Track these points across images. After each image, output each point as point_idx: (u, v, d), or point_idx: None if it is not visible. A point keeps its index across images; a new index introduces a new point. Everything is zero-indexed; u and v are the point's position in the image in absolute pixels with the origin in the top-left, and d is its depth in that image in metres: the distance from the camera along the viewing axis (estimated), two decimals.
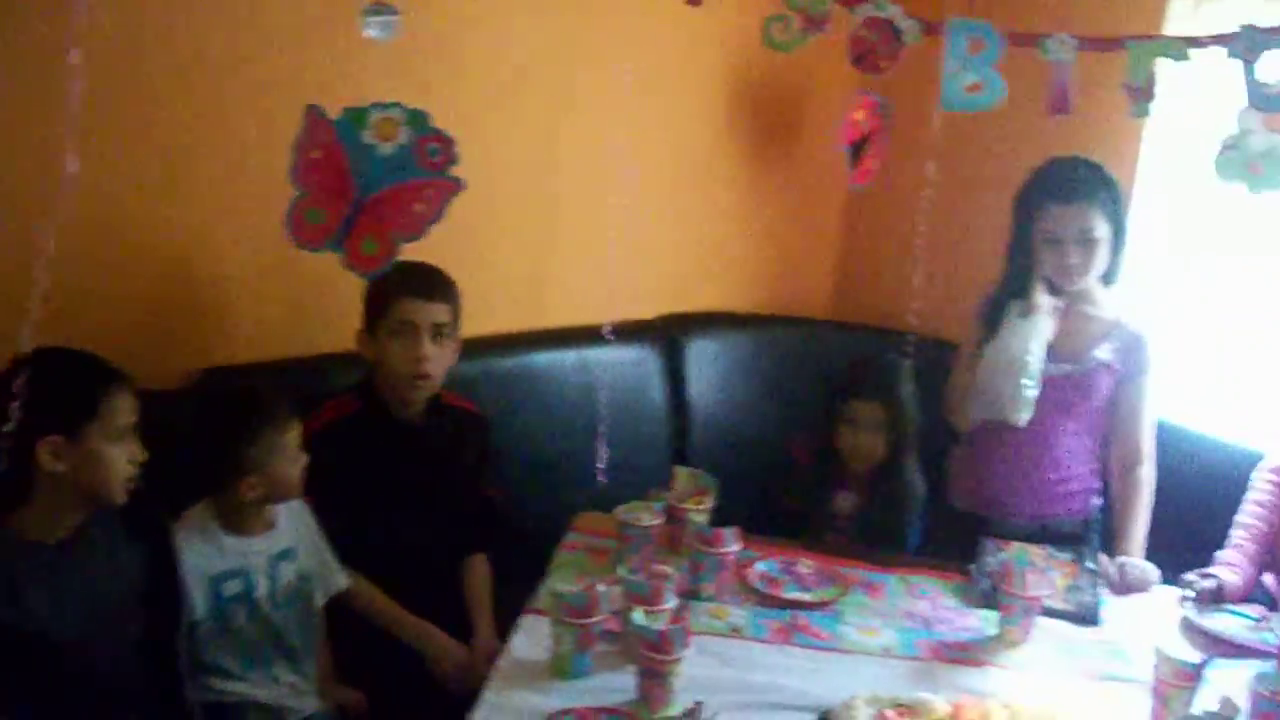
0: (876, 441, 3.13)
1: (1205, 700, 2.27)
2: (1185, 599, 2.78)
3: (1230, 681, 2.38)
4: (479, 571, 3.03)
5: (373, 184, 2.26)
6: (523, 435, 3.38)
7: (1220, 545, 2.97)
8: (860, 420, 3.13)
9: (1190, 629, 2.70)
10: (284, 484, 2.52)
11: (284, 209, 2.26)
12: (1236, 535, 2.99)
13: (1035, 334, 2.92)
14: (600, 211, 3.02)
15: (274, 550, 2.56)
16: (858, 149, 3.03)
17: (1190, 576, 2.83)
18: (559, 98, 3.46)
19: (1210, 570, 2.86)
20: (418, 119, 2.26)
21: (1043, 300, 2.95)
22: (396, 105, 2.25)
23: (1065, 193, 2.97)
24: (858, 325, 4.07)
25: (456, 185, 2.28)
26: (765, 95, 3.89)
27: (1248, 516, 3.01)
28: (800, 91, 3.92)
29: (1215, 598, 2.80)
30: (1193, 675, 2.29)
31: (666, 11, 2.72)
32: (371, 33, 2.23)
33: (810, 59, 2.92)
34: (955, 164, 3.25)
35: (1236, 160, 2.57)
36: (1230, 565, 2.89)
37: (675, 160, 3.78)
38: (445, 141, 2.27)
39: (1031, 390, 2.92)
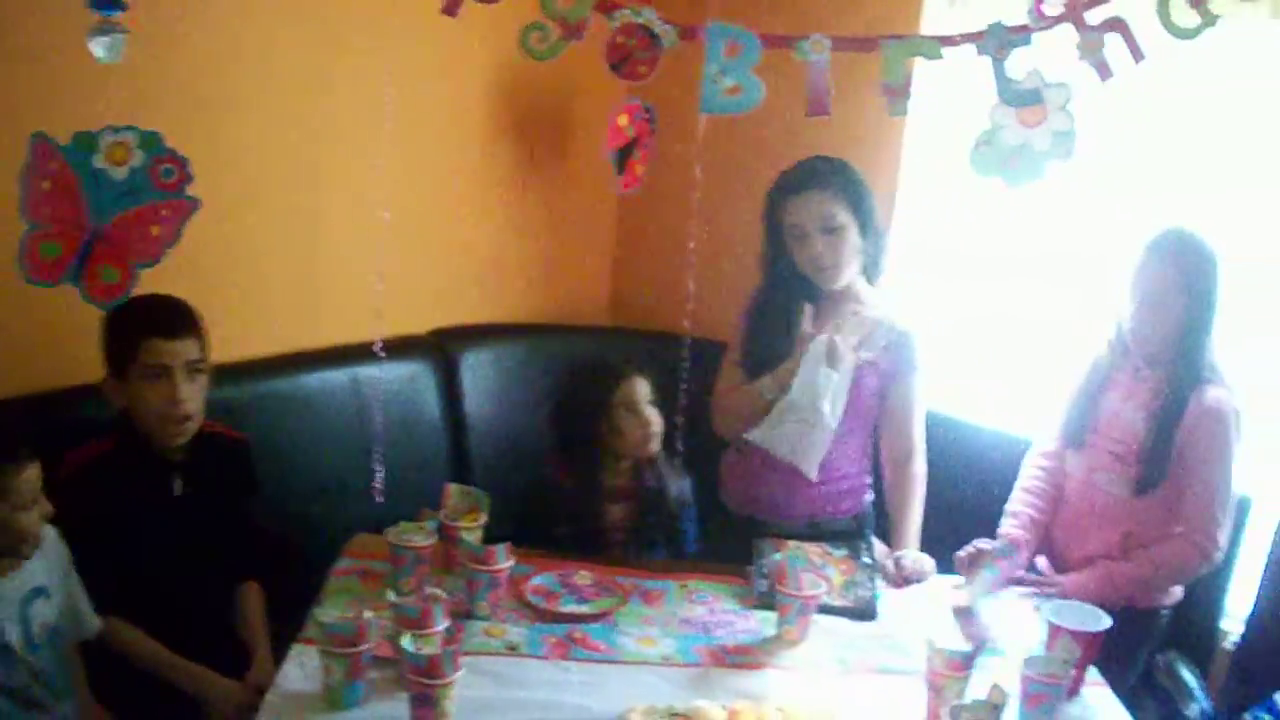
0: (654, 414, 3.14)
1: (978, 688, 2.30)
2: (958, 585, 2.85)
3: (1002, 668, 2.43)
4: (251, 599, 2.94)
5: (107, 210, 2.18)
6: (297, 459, 3.30)
7: (993, 532, 3.03)
8: (635, 399, 3.14)
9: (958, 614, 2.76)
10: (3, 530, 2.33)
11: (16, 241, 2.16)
12: (1007, 523, 3.06)
13: (838, 389, 2.95)
14: (365, 225, 2.97)
15: (25, 589, 2.40)
16: (624, 154, 3.01)
17: (960, 554, 2.88)
18: (316, 111, 3.38)
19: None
20: (151, 141, 2.20)
21: (848, 354, 2.96)
22: (129, 128, 2.18)
23: (798, 184, 3.01)
24: (634, 331, 4.08)
25: (193, 205, 2.23)
26: (532, 104, 3.87)
27: (1018, 504, 3.09)
28: (567, 99, 3.90)
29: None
30: (963, 665, 2.32)
31: (425, 22, 2.66)
32: (99, 53, 2.15)
33: (575, 66, 2.91)
34: (723, 168, 3.28)
35: (991, 156, 2.63)
36: None
37: (442, 171, 3.73)
38: (179, 161, 2.21)
39: (827, 444, 2.97)
